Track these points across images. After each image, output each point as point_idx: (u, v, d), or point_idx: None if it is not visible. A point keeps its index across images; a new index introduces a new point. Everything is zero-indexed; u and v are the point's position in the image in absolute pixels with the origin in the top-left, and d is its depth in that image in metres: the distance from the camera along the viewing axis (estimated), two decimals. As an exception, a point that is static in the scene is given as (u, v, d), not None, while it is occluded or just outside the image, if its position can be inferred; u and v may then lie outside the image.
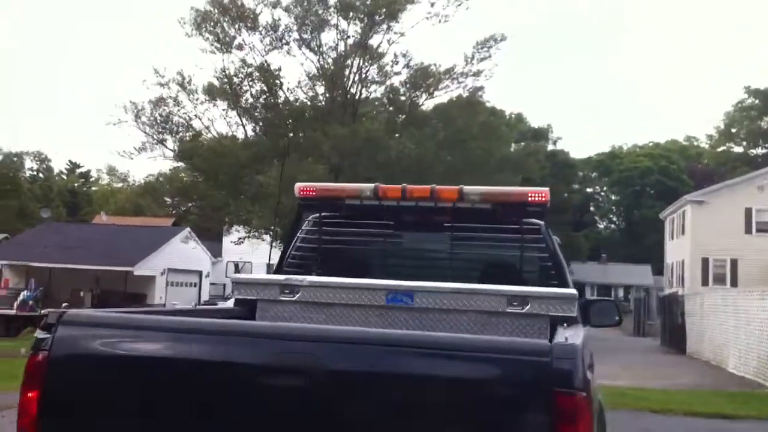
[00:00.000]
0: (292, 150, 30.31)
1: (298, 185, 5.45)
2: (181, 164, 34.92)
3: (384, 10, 31.33)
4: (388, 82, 33.16)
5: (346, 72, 32.73)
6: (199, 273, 50.59)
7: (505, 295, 4.42)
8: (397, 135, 31.63)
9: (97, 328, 3.23)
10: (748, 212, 39.50)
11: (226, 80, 31.96)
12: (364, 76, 33.02)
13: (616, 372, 19.50)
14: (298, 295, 4.77)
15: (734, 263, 39.31)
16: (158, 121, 32.00)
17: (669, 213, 48.06)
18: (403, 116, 33.19)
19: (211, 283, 52.90)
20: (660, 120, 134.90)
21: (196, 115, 32.74)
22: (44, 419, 3.10)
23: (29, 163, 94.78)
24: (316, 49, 32.74)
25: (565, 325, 4.13)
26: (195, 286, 50.20)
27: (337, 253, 5.68)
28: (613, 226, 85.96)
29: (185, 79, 31.96)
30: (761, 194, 39.61)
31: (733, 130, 74.67)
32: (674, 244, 46.36)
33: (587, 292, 70.90)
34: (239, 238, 34.90)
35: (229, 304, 6.50)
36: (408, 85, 32.68)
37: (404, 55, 32.49)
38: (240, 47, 32.19)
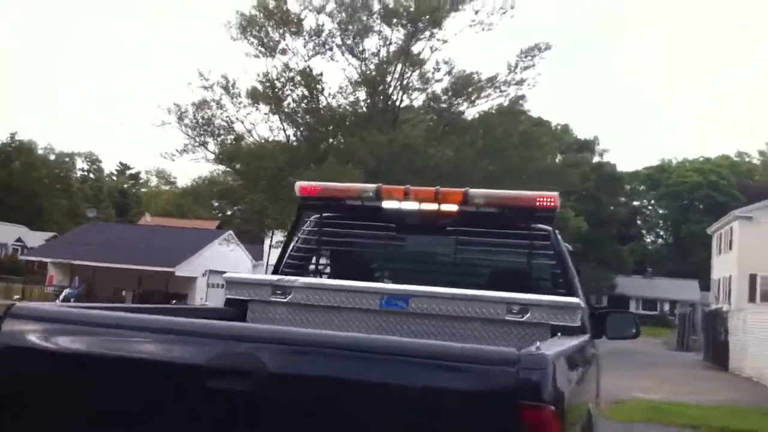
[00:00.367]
0: (331, 155, 30.34)
1: (298, 184, 5.32)
2: (221, 167, 35.23)
3: (427, 17, 31.23)
4: (429, 90, 33.04)
5: (388, 78, 32.71)
6: (240, 275, 50.86)
7: (504, 302, 4.23)
8: (436, 142, 31.45)
9: (44, 322, 3.15)
10: (798, 229, 38.43)
11: (268, 84, 32.15)
12: (406, 82, 32.96)
13: (654, 386, 19.13)
14: (290, 297, 4.62)
15: (783, 281, 38.30)
16: (200, 123, 32.32)
17: (717, 228, 47.08)
18: (444, 125, 32.98)
19: (252, 285, 53.11)
20: (711, 135, 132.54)
21: (237, 119, 33.01)
22: None
23: (80, 164, 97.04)
24: (358, 54, 32.78)
25: (559, 334, 3.96)
26: (235, 287, 50.46)
27: (336, 254, 5.55)
28: (660, 240, 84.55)
29: (229, 82, 32.28)
30: (812, 211, 38.58)
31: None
32: (721, 259, 45.37)
33: (632, 306, 69.92)
34: (278, 242, 35.02)
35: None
36: (449, 93, 32.49)
37: (446, 62, 32.38)
38: (284, 52, 32.44)
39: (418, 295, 4.38)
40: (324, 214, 5.50)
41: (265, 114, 33.17)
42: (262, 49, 32.31)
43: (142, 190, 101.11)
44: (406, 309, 4.37)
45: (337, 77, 52.47)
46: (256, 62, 37.54)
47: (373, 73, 32.67)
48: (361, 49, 32.76)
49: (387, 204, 5.14)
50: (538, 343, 2.82)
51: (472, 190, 5.00)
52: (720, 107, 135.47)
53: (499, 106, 32.53)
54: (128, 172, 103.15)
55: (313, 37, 32.53)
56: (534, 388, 2.59)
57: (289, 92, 32.48)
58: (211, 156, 33.17)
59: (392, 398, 2.72)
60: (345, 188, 5.38)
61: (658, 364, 25.71)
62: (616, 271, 66.32)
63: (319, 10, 32.33)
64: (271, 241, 34.09)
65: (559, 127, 66.31)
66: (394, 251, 5.61)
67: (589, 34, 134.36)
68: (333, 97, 32.99)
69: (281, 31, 32.30)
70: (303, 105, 32.74)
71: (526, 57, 32.12)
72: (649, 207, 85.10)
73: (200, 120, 32.24)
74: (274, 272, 5.40)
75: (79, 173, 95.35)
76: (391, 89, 32.96)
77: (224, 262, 46.76)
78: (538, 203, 4.88)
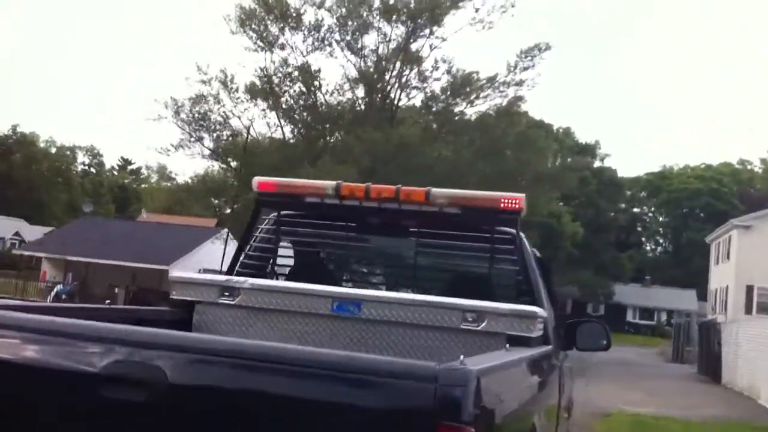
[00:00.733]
0: (326, 153, 30.11)
1: (256, 179, 5.10)
2: (216, 163, 34.99)
3: (427, 14, 30.97)
4: (428, 89, 32.77)
5: (387, 76, 32.46)
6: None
7: (459, 309, 3.99)
8: (433, 142, 31.20)
9: None
10: (798, 239, 38.08)
11: (265, 79, 31.93)
12: (404, 80, 32.70)
13: (643, 399, 18.99)
14: (238, 299, 4.36)
15: (780, 292, 37.94)
16: (196, 118, 32.07)
17: (715, 237, 46.74)
18: (441, 124, 32.73)
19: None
20: (714, 141, 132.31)
21: (234, 114, 32.76)
22: None
23: (81, 158, 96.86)
24: (357, 51, 32.52)
25: (507, 346, 3.72)
26: (231, 286, 50.34)
27: (294, 255, 5.33)
28: (659, 248, 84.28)
29: (228, 77, 32.03)
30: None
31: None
32: (719, 269, 45.06)
33: (629, 315, 69.63)
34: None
35: None
36: (448, 93, 32.21)
37: (445, 61, 32.05)
38: (282, 47, 32.19)
39: (371, 300, 4.16)
40: (282, 212, 5.25)
41: (263, 110, 33.00)
42: (261, 44, 32.07)
43: (143, 185, 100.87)
44: (358, 315, 4.12)
45: (336, 74, 52.32)
46: (254, 58, 37.35)
47: (372, 70, 32.42)
48: (360, 45, 32.55)
49: (347, 203, 4.91)
50: (462, 357, 2.57)
51: (435, 190, 4.79)
52: (724, 113, 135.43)
53: (498, 106, 32.24)
54: (130, 167, 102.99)
55: (312, 32, 32.30)
56: (453, 407, 2.36)
57: (286, 88, 32.27)
58: (207, 152, 33.02)
59: (298, 413, 2.51)
60: (304, 185, 5.17)
61: (650, 375, 25.47)
62: (615, 278, 66.01)
63: (319, 5, 32.12)
64: None
65: (560, 130, 66.03)
66: (354, 252, 5.43)
67: (589, 36, 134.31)
68: (331, 95, 32.81)
69: (281, 25, 32.07)
70: (300, 102, 32.52)
71: (525, 57, 31.76)
72: (649, 214, 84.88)
73: (196, 115, 32.02)
74: (228, 272, 5.12)
75: (80, 167, 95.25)
76: (389, 87, 32.72)
77: (219, 260, 46.54)
78: (502, 205, 4.66)
